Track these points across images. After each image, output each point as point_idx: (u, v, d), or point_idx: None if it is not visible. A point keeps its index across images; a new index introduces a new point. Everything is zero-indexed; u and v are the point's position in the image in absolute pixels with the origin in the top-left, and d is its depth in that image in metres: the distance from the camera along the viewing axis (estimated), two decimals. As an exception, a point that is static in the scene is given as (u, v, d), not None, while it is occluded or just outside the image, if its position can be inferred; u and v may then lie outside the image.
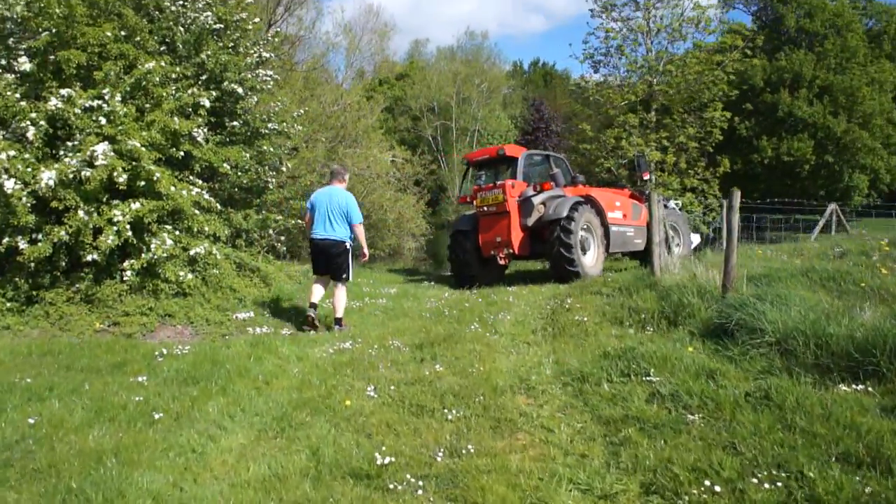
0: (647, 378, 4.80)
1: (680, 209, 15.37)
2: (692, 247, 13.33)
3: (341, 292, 8.21)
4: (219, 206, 9.37)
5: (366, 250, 8.50)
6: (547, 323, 7.55)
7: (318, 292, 8.26)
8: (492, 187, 12.06)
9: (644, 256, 13.21)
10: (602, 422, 4.32)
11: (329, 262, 8.15)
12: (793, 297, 5.38)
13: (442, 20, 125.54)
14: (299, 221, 11.65)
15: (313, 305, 8.11)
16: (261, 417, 4.76)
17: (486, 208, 12.08)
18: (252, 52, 10.65)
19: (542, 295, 9.98)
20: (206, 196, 8.81)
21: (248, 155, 10.02)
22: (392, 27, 47.48)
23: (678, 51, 21.79)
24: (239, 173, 10.08)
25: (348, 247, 8.19)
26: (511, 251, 11.83)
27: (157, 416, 4.64)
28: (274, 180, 11.35)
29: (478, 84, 72.57)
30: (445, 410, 4.69)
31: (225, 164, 9.42)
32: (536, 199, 11.88)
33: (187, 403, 4.95)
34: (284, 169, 11.60)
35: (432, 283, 13.28)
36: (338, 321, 8.17)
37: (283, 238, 11.90)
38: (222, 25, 10.10)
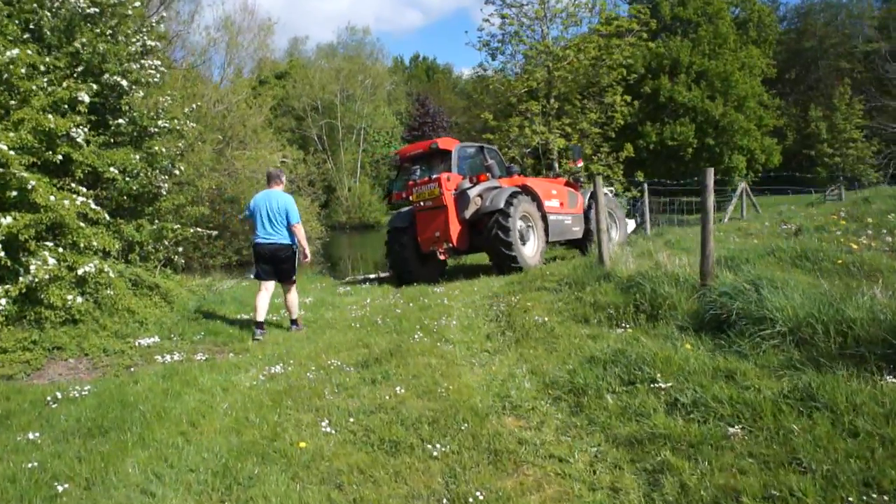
0: (656, 384, 4.17)
1: (614, 195, 15.45)
2: (629, 231, 13.13)
3: (293, 294, 8.22)
4: (107, 217, 8.13)
5: (307, 251, 8.24)
6: (500, 326, 6.84)
7: (263, 306, 7.90)
8: (427, 181, 11.73)
9: (582, 244, 13.45)
10: (621, 443, 3.64)
11: (277, 266, 8.02)
12: (786, 281, 4.89)
13: (319, 17, 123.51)
14: (198, 230, 10.48)
15: (260, 325, 7.79)
16: (196, 474, 3.80)
17: (422, 203, 11.80)
18: (134, 40, 9.37)
19: (478, 294, 9.29)
20: (93, 206, 7.60)
21: (136, 157, 8.80)
22: (275, 20, 45.50)
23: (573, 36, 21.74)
24: (127, 178, 8.82)
25: (295, 249, 8.09)
26: (450, 245, 11.60)
27: (60, 488, 3.61)
28: (166, 185, 10.10)
29: (361, 80, 71.52)
30: (427, 445, 3.89)
31: (111, 169, 8.21)
32: (473, 192, 11.66)
33: (98, 464, 3.93)
34: (178, 172, 10.35)
35: (346, 288, 12.33)
36: (294, 322, 8.24)
37: (180, 250, 10.66)
38: (97, 10, 8.81)
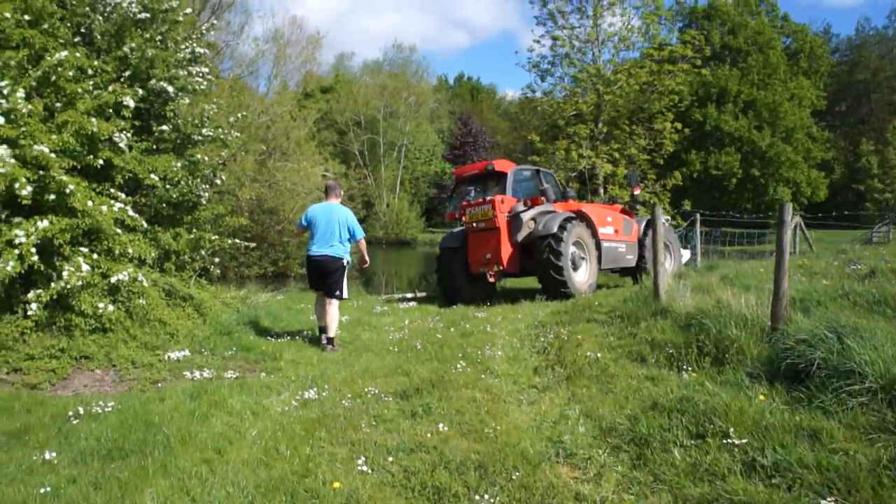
0: (728, 440, 3.74)
1: (669, 224, 15.28)
2: (683, 262, 12.97)
3: (334, 310, 8.05)
4: (145, 224, 7.94)
5: (367, 257, 8.76)
6: (549, 359, 6.45)
7: (323, 313, 8.08)
8: (481, 203, 11.69)
9: (635, 273, 13.39)
10: (694, 509, 3.23)
11: (325, 278, 8.01)
12: (872, 331, 4.43)
13: (365, 35, 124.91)
14: (236, 241, 10.26)
15: (322, 329, 8.08)
16: (220, 512, 3.48)
17: (475, 224, 11.77)
18: (183, 46, 9.24)
19: (522, 322, 8.91)
20: (131, 212, 7.41)
21: (178, 165, 8.62)
22: (324, 34, 45.86)
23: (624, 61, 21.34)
24: (168, 186, 8.64)
25: (345, 263, 8.08)
26: (500, 268, 11.54)
27: (72, 521, 3.31)
28: (206, 194, 9.91)
29: (405, 98, 71.72)
30: (474, 495, 3.51)
31: (152, 176, 8.02)
32: (526, 215, 11.62)
33: (115, 493, 3.63)
34: (219, 182, 10.18)
35: (384, 307, 12.03)
36: (330, 340, 8.01)
37: (216, 260, 10.45)
38: (148, 15, 8.69)
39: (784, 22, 62.19)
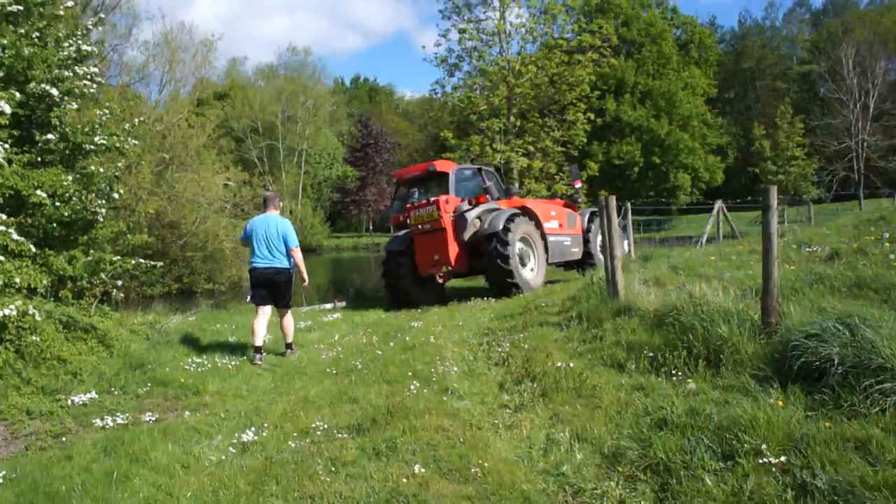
0: (764, 459, 3.22)
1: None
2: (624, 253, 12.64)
3: (289, 318, 8.23)
4: (33, 249, 6.87)
5: (305, 275, 8.32)
6: (512, 372, 5.83)
7: (261, 330, 7.88)
8: (425, 204, 11.67)
9: (580, 265, 13.86)
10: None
11: (274, 290, 8.03)
12: (881, 318, 4.02)
13: (257, 39, 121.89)
14: (141, 261, 9.20)
15: (258, 350, 7.78)
16: None
17: (420, 226, 11.74)
18: (67, 44, 8.13)
19: (466, 328, 8.29)
20: (15, 236, 6.36)
21: (69, 178, 7.57)
22: (219, 36, 43.88)
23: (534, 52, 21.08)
24: (58, 203, 7.54)
25: (291, 273, 8.14)
26: (449, 268, 11.60)
27: None
28: (103, 210, 8.80)
29: (303, 102, 70.24)
30: (481, 562, 2.85)
31: (38, 192, 6.96)
32: (471, 214, 11.63)
33: None
34: (116, 196, 9.08)
35: (307, 322, 11.13)
36: (289, 346, 8.23)
37: (119, 283, 9.34)
38: (21, 8, 7.58)
39: (674, 14, 64.35)
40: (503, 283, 11.16)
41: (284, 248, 7.97)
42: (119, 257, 8.43)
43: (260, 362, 7.61)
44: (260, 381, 6.89)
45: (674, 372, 4.75)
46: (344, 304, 14.94)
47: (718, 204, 15.19)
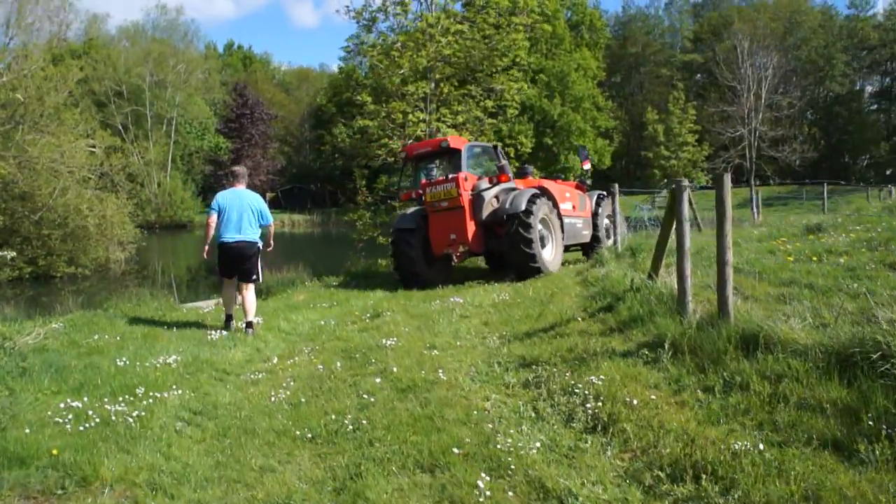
0: None
1: (607, 198, 14.53)
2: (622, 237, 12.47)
3: (252, 295, 8.17)
4: None
5: (271, 242, 8.57)
6: (619, 448, 3.47)
7: (230, 298, 8.21)
8: (443, 181, 11.14)
9: (588, 248, 13.56)
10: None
11: (242, 264, 8.05)
12: None
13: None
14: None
15: (230, 317, 8.13)
16: None
17: (436, 204, 11.20)
18: None
19: (480, 351, 5.89)
20: None
21: None
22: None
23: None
24: None
25: (259, 248, 8.20)
26: (466, 248, 11.11)
27: None
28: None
29: (173, 66, 65.15)
30: None
31: None
32: (489, 193, 11.18)
33: None
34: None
35: (217, 333, 8.27)
36: (249, 325, 7.99)
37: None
38: None
39: (565, -6, 64.03)
40: (524, 267, 10.70)
41: (255, 223, 8.05)
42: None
43: (233, 329, 7.87)
44: (188, 450, 4.28)
45: None
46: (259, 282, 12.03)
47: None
